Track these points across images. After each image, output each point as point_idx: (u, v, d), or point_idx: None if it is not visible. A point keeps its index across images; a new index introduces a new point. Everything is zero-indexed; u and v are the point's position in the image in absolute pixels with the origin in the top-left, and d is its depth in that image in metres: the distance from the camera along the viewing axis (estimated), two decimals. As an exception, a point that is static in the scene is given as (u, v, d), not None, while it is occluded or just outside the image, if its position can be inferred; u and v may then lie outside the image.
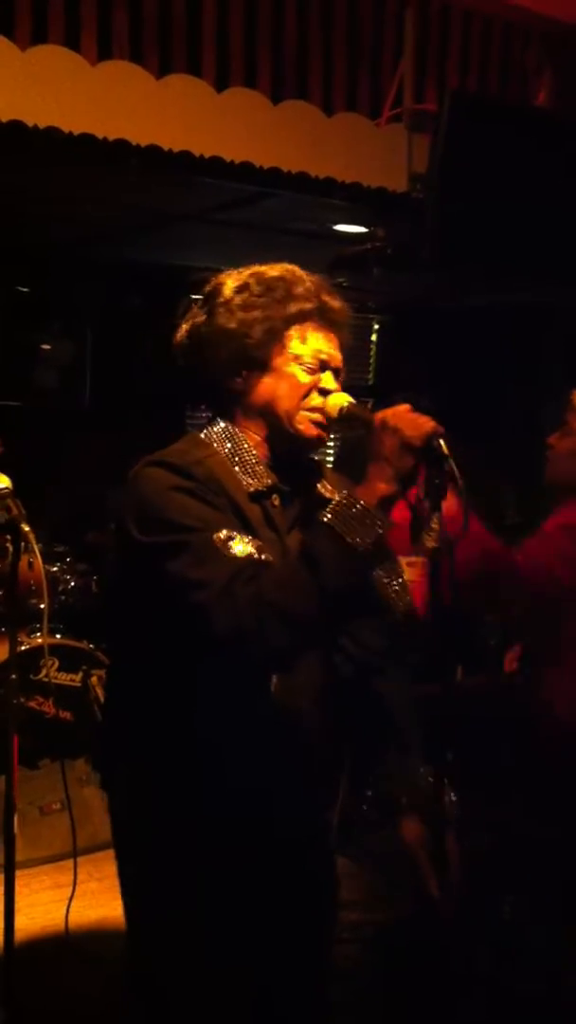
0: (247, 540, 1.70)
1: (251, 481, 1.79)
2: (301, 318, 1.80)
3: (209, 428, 1.85)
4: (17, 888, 2.65)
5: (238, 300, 1.81)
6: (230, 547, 1.67)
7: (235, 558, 1.66)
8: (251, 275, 1.84)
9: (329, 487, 1.92)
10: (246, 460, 1.81)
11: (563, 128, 4.32)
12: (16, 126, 3.53)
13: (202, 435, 1.84)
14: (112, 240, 4.82)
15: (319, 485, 1.91)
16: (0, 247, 4.68)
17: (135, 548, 1.72)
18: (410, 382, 5.12)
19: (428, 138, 4.11)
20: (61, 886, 3.36)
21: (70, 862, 2.87)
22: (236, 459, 1.80)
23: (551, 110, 4.78)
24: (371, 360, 6.17)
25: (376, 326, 6.13)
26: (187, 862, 1.80)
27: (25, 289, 5.10)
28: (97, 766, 1.94)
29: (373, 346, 6.15)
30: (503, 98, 4.92)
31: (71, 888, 2.88)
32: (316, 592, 1.63)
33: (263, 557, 1.70)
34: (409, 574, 1.99)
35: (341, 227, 4.43)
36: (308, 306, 1.81)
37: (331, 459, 5.49)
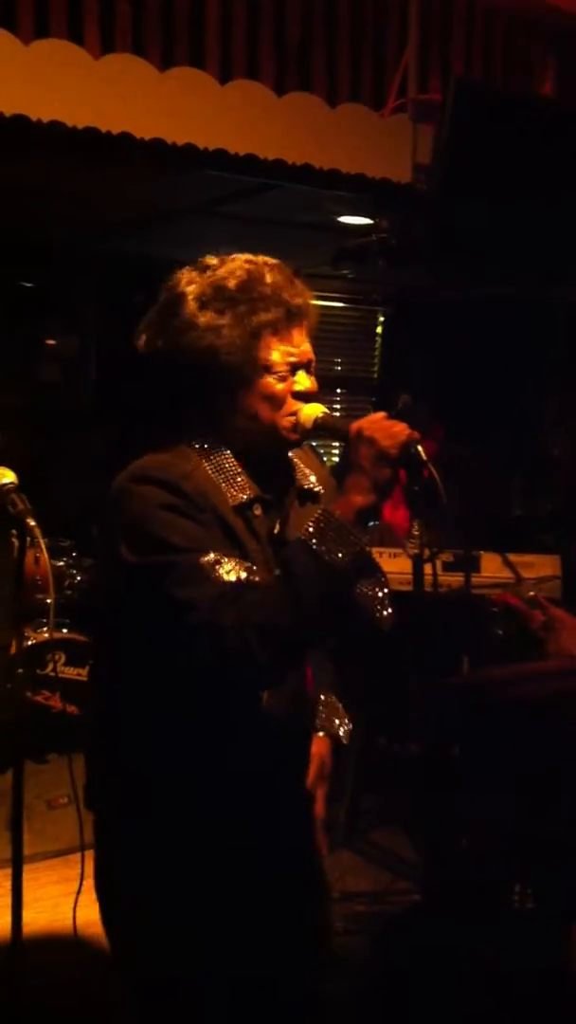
0: (235, 563, 1.69)
1: (235, 493, 1.77)
2: (269, 327, 1.75)
3: (189, 440, 1.80)
4: (24, 882, 2.65)
5: (202, 319, 1.74)
6: (217, 571, 1.66)
7: (221, 581, 1.66)
8: (211, 285, 1.76)
9: (311, 478, 1.91)
10: (228, 472, 1.78)
11: (568, 118, 4.31)
12: (20, 120, 3.53)
13: (183, 446, 1.79)
14: (116, 234, 4.82)
15: (299, 479, 1.90)
16: (2, 241, 4.68)
17: (122, 567, 1.71)
18: (415, 375, 5.11)
19: (432, 129, 4.10)
20: (68, 880, 3.36)
21: (77, 856, 2.85)
22: (219, 471, 1.78)
23: (556, 101, 4.76)
24: (376, 353, 6.16)
25: (381, 319, 6.11)
26: (180, 873, 1.79)
27: (28, 284, 5.10)
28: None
29: (378, 339, 6.14)
30: (508, 88, 4.90)
31: (78, 882, 2.87)
32: (297, 611, 1.64)
33: (251, 578, 1.68)
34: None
35: (345, 219, 4.42)
36: (273, 315, 1.75)
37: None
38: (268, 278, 1.77)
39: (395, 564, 3.95)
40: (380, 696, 3.75)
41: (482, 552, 4.03)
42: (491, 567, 4.06)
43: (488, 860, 3.06)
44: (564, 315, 5.84)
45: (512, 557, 4.07)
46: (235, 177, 3.92)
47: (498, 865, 3.01)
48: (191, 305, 1.76)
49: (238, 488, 1.77)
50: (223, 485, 1.76)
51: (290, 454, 1.89)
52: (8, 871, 2.71)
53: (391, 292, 5.83)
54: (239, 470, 1.78)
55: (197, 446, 1.79)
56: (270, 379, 1.77)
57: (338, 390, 6.06)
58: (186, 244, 4.97)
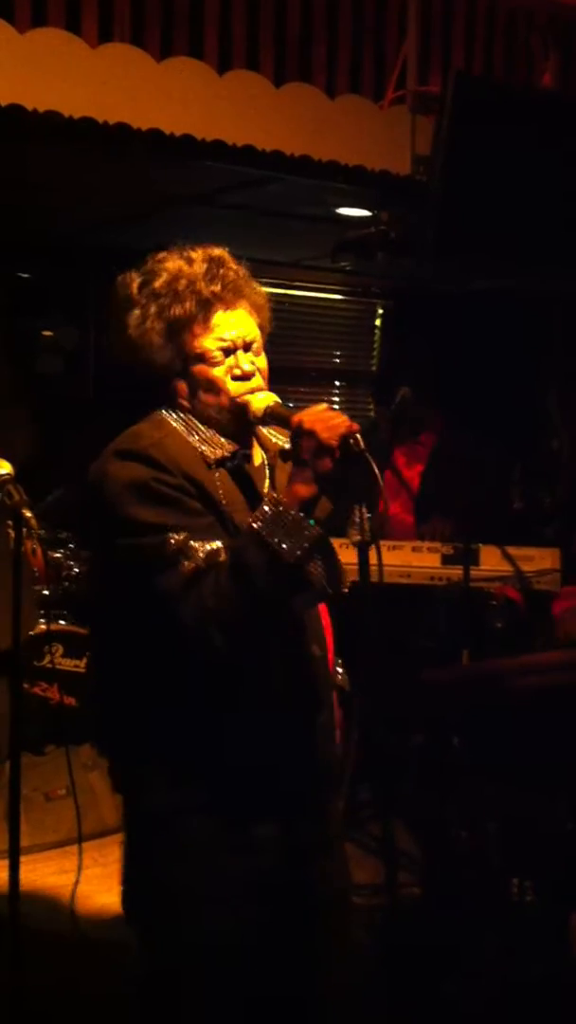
0: (200, 546, 1.71)
1: (214, 449, 1.82)
2: (185, 319, 1.81)
3: (164, 410, 1.87)
4: (22, 873, 2.65)
5: (129, 318, 1.83)
6: (185, 553, 1.70)
7: (185, 570, 1.69)
8: (139, 284, 1.85)
9: (277, 435, 1.94)
10: (203, 433, 1.84)
11: (568, 111, 4.29)
12: (16, 110, 3.51)
13: (161, 414, 1.86)
14: (114, 225, 4.80)
15: (264, 435, 1.93)
16: (0, 233, 4.66)
17: (101, 546, 1.80)
18: (414, 367, 5.10)
19: (432, 120, 4.08)
20: (66, 871, 3.37)
21: (75, 847, 2.88)
22: (194, 433, 1.83)
23: (556, 93, 4.75)
24: (375, 346, 6.15)
25: (380, 311, 6.10)
26: (193, 859, 1.79)
27: (26, 275, 5.09)
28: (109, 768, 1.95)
29: (377, 331, 6.12)
30: (508, 81, 4.88)
31: (76, 874, 2.88)
32: (249, 600, 1.68)
33: (215, 560, 1.71)
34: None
35: (344, 211, 4.40)
36: (188, 307, 1.80)
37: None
38: (191, 269, 1.83)
39: (394, 556, 3.96)
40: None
41: (481, 545, 4.03)
42: (490, 560, 4.06)
43: (488, 852, 3.06)
44: (564, 307, 5.82)
45: (511, 550, 4.07)
46: (233, 168, 3.90)
47: (498, 857, 3.01)
48: (124, 305, 1.85)
49: (216, 445, 1.83)
50: (199, 446, 1.82)
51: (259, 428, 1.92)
52: (5, 862, 2.71)
53: (390, 285, 5.82)
54: (214, 432, 1.84)
55: (172, 413, 1.85)
56: (203, 367, 1.83)
57: (336, 383, 6.05)
58: (184, 236, 4.98)
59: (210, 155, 3.84)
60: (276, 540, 1.68)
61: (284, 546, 1.68)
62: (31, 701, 3.68)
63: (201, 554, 1.71)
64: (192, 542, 1.71)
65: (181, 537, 1.71)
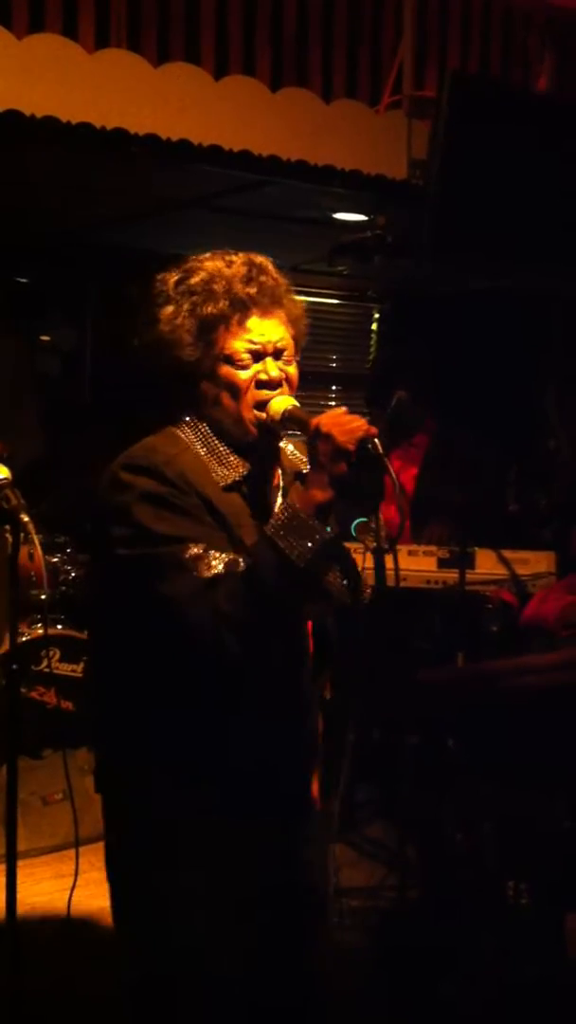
0: (218, 556, 1.71)
1: (227, 472, 1.81)
2: (219, 319, 1.79)
3: (179, 423, 1.86)
4: (20, 878, 2.66)
5: (162, 313, 1.82)
6: (198, 565, 1.70)
7: (202, 577, 1.69)
8: (177, 280, 1.84)
9: (297, 455, 1.94)
10: (218, 451, 1.82)
11: (564, 114, 4.30)
12: (14, 115, 3.52)
13: (174, 429, 1.85)
14: (111, 228, 4.81)
15: (293, 461, 1.93)
16: (-1, 237, 4.67)
17: (109, 557, 1.77)
18: (411, 370, 5.10)
19: (428, 125, 4.09)
20: (63, 876, 3.37)
21: (72, 852, 2.87)
22: (209, 451, 1.82)
23: (552, 95, 4.76)
24: (371, 348, 6.16)
25: (376, 315, 6.11)
26: (183, 860, 1.80)
27: (24, 279, 5.09)
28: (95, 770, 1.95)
29: (373, 334, 6.13)
30: (504, 83, 4.89)
31: (73, 878, 2.89)
32: (263, 603, 1.68)
33: (235, 570, 1.71)
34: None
35: (341, 215, 4.41)
36: (221, 306, 1.79)
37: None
38: (226, 271, 1.82)
39: (389, 560, 3.96)
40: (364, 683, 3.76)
41: (477, 548, 4.04)
42: (486, 563, 4.06)
43: (484, 853, 3.07)
44: (561, 308, 5.83)
45: (507, 553, 4.07)
46: (230, 173, 3.91)
47: (494, 858, 3.02)
48: (158, 301, 1.84)
49: (230, 467, 1.81)
50: (213, 464, 1.81)
51: (283, 443, 1.91)
52: (3, 867, 2.72)
53: (387, 288, 5.83)
54: (228, 450, 1.82)
55: (187, 429, 1.84)
56: (230, 368, 1.81)
57: (333, 386, 6.06)
58: (181, 239, 4.98)
59: (207, 159, 3.85)
60: (288, 544, 1.67)
61: (296, 550, 1.67)
62: (28, 705, 3.68)
63: (221, 563, 1.70)
64: (212, 551, 1.71)
65: (200, 547, 1.70)
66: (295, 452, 1.94)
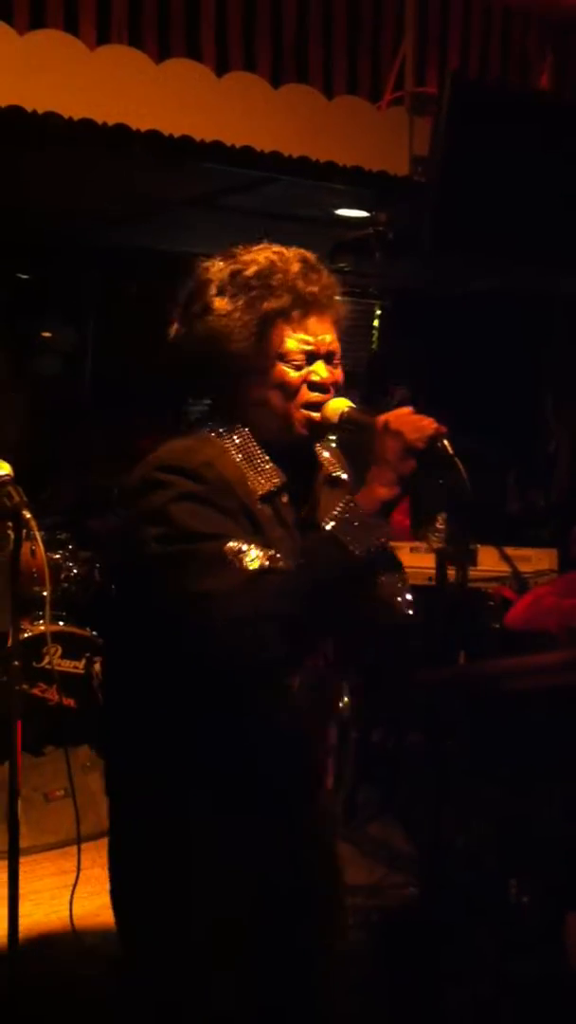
0: (259, 551, 1.67)
1: (262, 481, 1.76)
2: (278, 315, 1.75)
3: (214, 425, 1.80)
4: (21, 875, 2.65)
5: (217, 304, 1.75)
6: (242, 559, 1.65)
7: (245, 570, 1.65)
8: (230, 272, 1.77)
9: (332, 462, 1.91)
10: (255, 459, 1.77)
11: (565, 111, 4.30)
12: (15, 111, 3.52)
13: (209, 431, 1.80)
14: (112, 226, 4.81)
15: (326, 466, 1.90)
16: (-1, 234, 4.67)
17: (144, 556, 1.70)
18: (411, 368, 5.11)
19: (430, 121, 4.09)
20: (65, 872, 3.37)
21: (74, 849, 2.87)
22: (245, 458, 1.77)
23: (553, 93, 4.76)
24: (372, 346, 6.15)
25: (378, 312, 6.11)
26: (195, 866, 1.79)
27: (25, 276, 5.09)
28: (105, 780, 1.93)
29: (375, 331, 6.13)
30: (504, 82, 4.89)
31: (75, 875, 2.88)
32: (315, 600, 1.64)
33: (276, 565, 1.68)
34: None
35: (343, 212, 4.41)
36: (282, 302, 1.74)
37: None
38: (286, 266, 1.77)
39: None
40: (387, 686, 3.76)
41: (479, 545, 4.04)
42: (488, 561, 4.06)
43: (484, 853, 3.07)
44: (562, 308, 5.84)
45: (509, 551, 4.07)
46: (231, 169, 3.91)
47: (494, 858, 3.02)
48: (210, 291, 1.77)
49: (265, 476, 1.77)
50: (249, 472, 1.76)
51: (317, 447, 1.88)
52: (4, 863, 2.72)
53: (389, 285, 5.83)
54: (265, 457, 1.78)
55: (222, 431, 1.78)
56: (283, 367, 1.76)
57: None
58: (183, 237, 4.99)
59: (208, 156, 3.85)
60: (349, 539, 1.63)
61: (360, 546, 1.63)
62: (30, 702, 3.67)
63: (260, 559, 1.66)
64: (251, 546, 1.67)
65: (239, 543, 1.66)
66: (327, 458, 1.91)
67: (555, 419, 6.01)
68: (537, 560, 4.04)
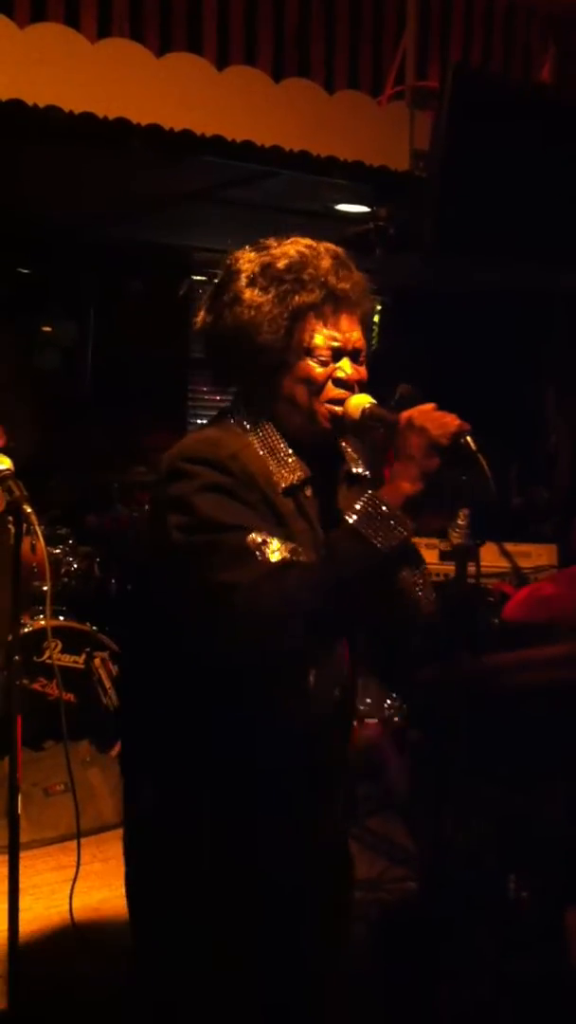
0: (281, 544, 1.67)
1: (285, 474, 1.77)
2: (308, 309, 1.75)
3: (238, 416, 1.81)
4: (21, 869, 2.66)
5: (247, 296, 1.75)
6: (264, 551, 1.66)
7: (267, 562, 1.65)
8: (261, 264, 1.77)
9: (354, 457, 1.91)
10: (278, 452, 1.78)
11: (566, 106, 4.29)
12: (16, 105, 3.51)
13: (232, 422, 1.80)
14: (113, 220, 4.80)
15: (349, 462, 1.90)
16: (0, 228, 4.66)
17: (170, 546, 1.71)
18: (412, 364, 5.10)
19: (431, 116, 4.08)
20: (65, 867, 3.37)
21: (74, 843, 2.88)
22: (269, 451, 1.78)
23: (554, 87, 4.75)
24: (373, 342, 6.14)
25: (378, 307, 6.10)
26: (209, 856, 1.79)
27: (25, 271, 5.08)
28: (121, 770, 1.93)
29: (375, 328, 6.12)
30: (507, 76, 4.88)
31: (75, 869, 2.89)
32: (338, 593, 1.64)
33: (298, 558, 1.68)
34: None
35: (343, 206, 4.40)
36: (313, 297, 1.74)
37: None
38: (318, 261, 1.77)
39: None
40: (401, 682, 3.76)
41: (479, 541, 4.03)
42: (488, 556, 4.06)
43: (484, 849, 3.07)
44: (563, 304, 5.83)
45: (509, 546, 4.07)
46: (232, 164, 3.90)
47: (493, 854, 3.02)
48: (240, 282, 1.77)
49: (289, 469, 1.77)
50: (273, 465, 1.76)
51: (342, 442, 1.88)
52: (4, 858, 2.72)
53: (389, 281, 5.81)
54: (289, 451, 1.78)
55: (247, 424, 1.79)
56: (310, 362, 1.76)
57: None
58: (183, 231, 4.98)
59: (209, 150, 3.84)
60: (372, 533, 1.63)
61: (383, 541, 1.63)
62: (30, 697, 3.68)
63: (282, 552, 1.66)
64: (274, 539, 1.67)
65: (262, 535, 1.67)
66: (353, 454, 1.91)
67: (556, 414, 6.01)
68: (537, 556, 4.04)
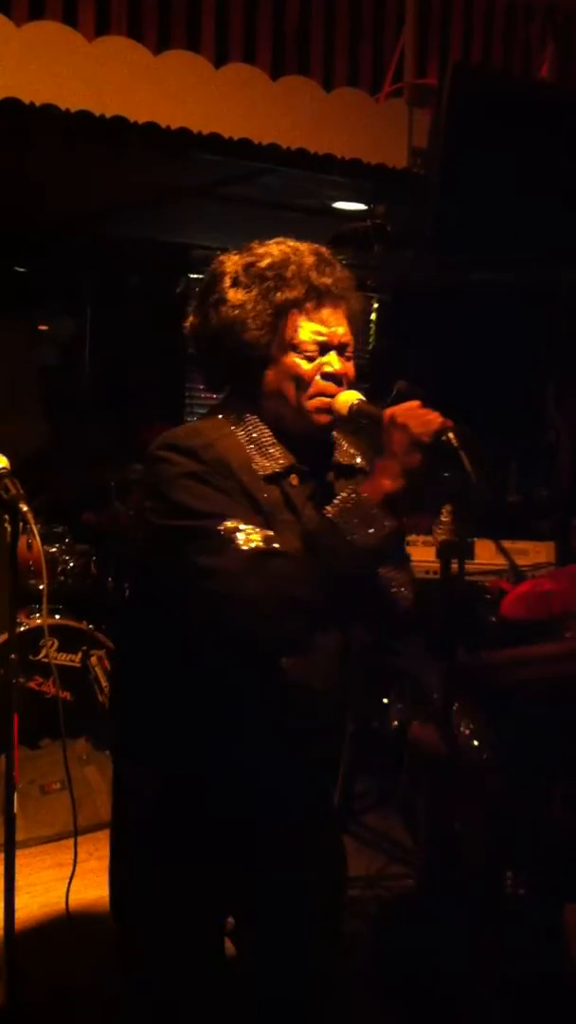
0: (254, 531, 1.69)
1: (267, 464, 1.79)
2: (292, 305, 1.78)
3: (226, 411, 1.84)
4: (18, 867, 2.65)
5: (231, 295, 1.79)
6: (236, 537, 1.67)
7: (240, 548, 1.67)
8: (244, 264, 1.81)
9: (350, 451, 1.93)
10: (261, 442, 1.80)
11: (566, 103, 4.28)
12: (13, 103, 3.51)
13: (220, 417, 1.84)
14: (110, 218, 4.80)
15: (340, 456, 1.91)
16: (-2, 226, 4.66)
17: (152, 529, 1.76)
18: (410, 361, 5.10)
19: (429, 113, 4.07)
20: (62, 865, 3.38)
21: (71, 841, 2.87)
22: (251, 442, 1.80)
23: (554, 85, 4.74)
24: (370, 339, 6.14)
25: (376, 305, 6.09)
26: (190, 844, 1.80)
27: (22, 268, 5.08)
28: (110, 749, 1.95)
29: (372, 325, 6.12)
30: (506, 72, 4.88)
31: (72, 867, 2.89)
32: (318, 585, 1.66)
33: (272, 546, 1.69)
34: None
35: (341, 204, 4.40)
36: (296, 293, 1.78)
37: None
38: (300, 259, 1.80)
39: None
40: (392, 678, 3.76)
41: (476, 538, 4.03)
42: (485, 554, 4.06)
43: (482, 845, 3.07)
44: (562, 300, 5.82)
45: (506, 544, 4.07)
46: (229, 161, 3.90)
47: (491, 850, 3.02)
48: (225, 283, 1.81)
49: (270, 459, 1.79)
50: (255, 455, 1.79)
51: (335, 434, 1.89)
52: (1, 856, 2.72)
53: (387, 278, 5.81)
54: (273, 441, 1.80)
55: (233, 416, 1.82)
56: (296, 358, 1.79)
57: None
58: (181, 228, 4.98)
59: (207, 148, 3.83)
60: (350, 528, 1.65)
61: (361, 536, 1.65)
62: (27, 695, 3.68)
63: (257, 539, 1.68)
64: (247, 525, 1.69)
65: (235, 522, 1.69)
66: (347, 448, 1.93)
67: (556, 412, 6.01)
68: (534, 553, 4.04)
